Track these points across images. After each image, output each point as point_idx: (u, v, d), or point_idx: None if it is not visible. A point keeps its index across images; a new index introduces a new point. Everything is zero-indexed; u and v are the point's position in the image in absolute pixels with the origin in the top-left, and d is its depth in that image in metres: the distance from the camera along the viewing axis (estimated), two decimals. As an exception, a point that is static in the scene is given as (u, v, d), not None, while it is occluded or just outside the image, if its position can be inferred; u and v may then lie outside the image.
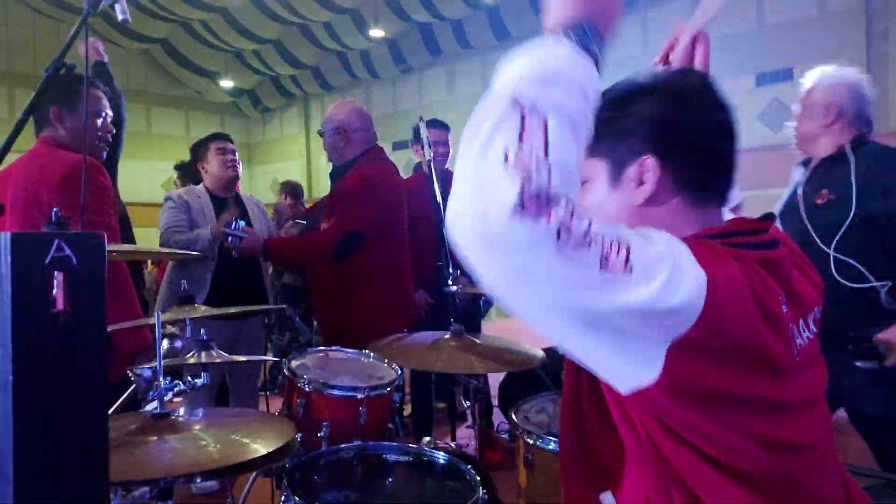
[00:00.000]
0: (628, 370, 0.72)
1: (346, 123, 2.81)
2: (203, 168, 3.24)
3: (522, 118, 0.68)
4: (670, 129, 0.89)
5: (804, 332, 0.89)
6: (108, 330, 0.99)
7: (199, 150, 3.29)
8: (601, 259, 0.65)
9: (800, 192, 2.22)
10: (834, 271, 1.98)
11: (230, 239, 2.55)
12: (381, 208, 2.67)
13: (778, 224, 2.23)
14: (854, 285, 1.98)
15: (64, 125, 2.17)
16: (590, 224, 0.65)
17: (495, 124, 0.70)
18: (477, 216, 0.65)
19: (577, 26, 0.76)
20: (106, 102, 2.30)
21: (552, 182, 0.64)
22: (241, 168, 3.33)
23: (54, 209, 1.05)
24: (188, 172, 3.96)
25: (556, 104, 0.69)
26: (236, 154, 3.32)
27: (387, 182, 2.74)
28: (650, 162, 0.88)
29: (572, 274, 0.64)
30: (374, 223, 2.66)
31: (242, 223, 2.64)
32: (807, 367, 0.87)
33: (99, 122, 2.25)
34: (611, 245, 0.66)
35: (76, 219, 1.96)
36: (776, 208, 2.31)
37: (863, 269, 1.98)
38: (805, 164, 2.28)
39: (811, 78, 2.27)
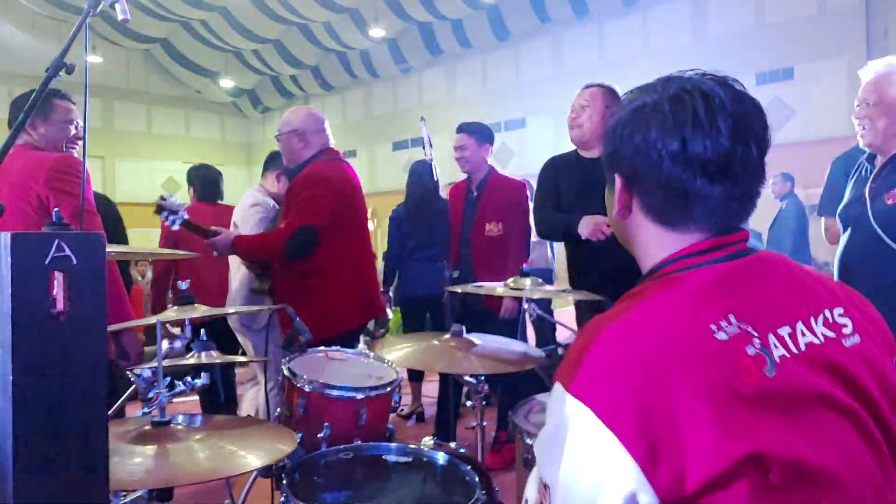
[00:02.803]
0: None
1: (303, 127, 2.85)
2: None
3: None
4: (631, 156, 0.87)
5: (804, 336, 0.82)
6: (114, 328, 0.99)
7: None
8: None
9: (867, 190, 2.07)
10: None
11: (165, 215, 2.53)
12: (332, 204, 2.68)
13: (837, 221, 2.18)
14: None
15: (37, 132, 2.35)
16: None
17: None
18: None
19: None
20: (77, 112, 2.47)
21: None
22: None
23: (55, 209, 1.05)
24: (198, 174, 3.96)
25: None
26: None
27: (338, 178, 2.75)
28: (618, 181, 0.91)
29: None
30: (326, 218, 2.66)
31: (175, 198, 2.59)
32: (804, 372, 0.79)
33: (71, 128, 2.43)
34: None
35: (65, 207, 2.13)
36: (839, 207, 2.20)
37: None
38: (870, 160, 2.14)
39: (876, 69, 2.07)
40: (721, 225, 0.87)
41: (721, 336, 0.77)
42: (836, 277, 2.10)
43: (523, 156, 12.05)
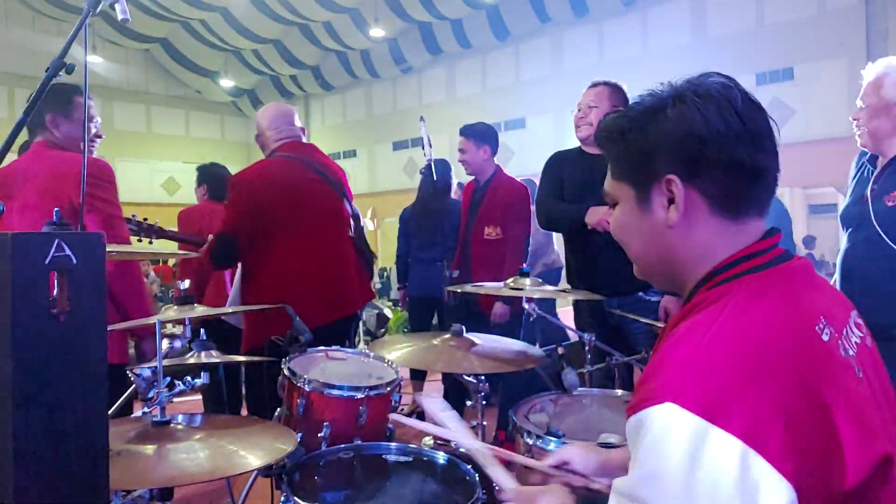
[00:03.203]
0: None
1: (261, 126, 2.78)
2: None
3: None
4: (691, 146, 0.84)
5: (852, 337, 0.85)
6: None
7: None
8: None
9: (868, 191, 2.07)
10: None
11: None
12: (244, 210, 2.58)
13: (840, 224, 2.19)
14: None
15: (60, 130, 2.33)
16: None
17: None
18: None
19: None
20: (97, 109, 2.47)
21: None
22: None
23: (55, 209, 1.05)
24: (210, 173, 3.95)
25: None
26: None
27: (256, 182, 2.63)
28: (676, 182, 0.85)
29: None
30: (238, 226, 2.58)
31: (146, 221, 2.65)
32: (869, 369, 0.83)
33: (93, 126, 2.42)
34: None
35: (97, 213, 2.23)
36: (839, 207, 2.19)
37: None
38: (871, 161, 2.14)
39: (876, 70, 2.06)
40: (759, 209, 0.88)
41: (825, 337, 0.77)
42: (838, 278, 2.10)
43: (523, 156, 12.05)
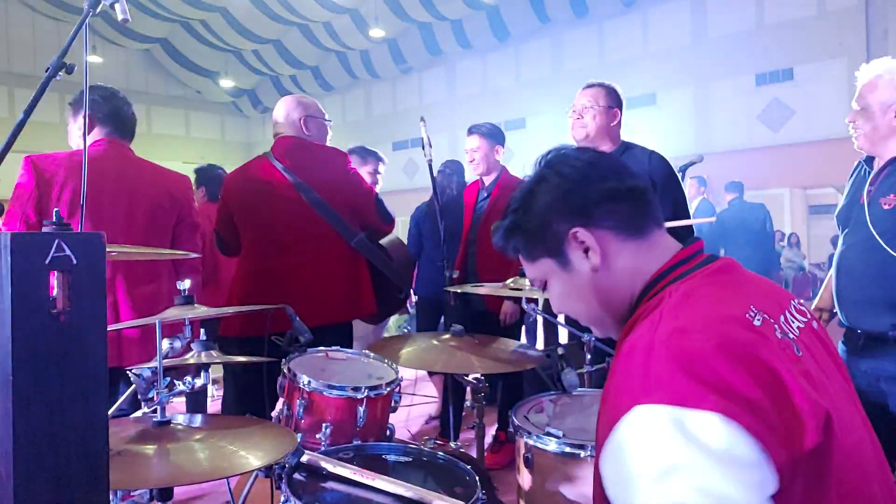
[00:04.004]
0: None
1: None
2: None
3: None
4: (572, 199, 0.96)
5: (793, 322, 0.92)
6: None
7: None
8: None
9: (864, 194, 2.05)
10: None
11: None
12: (222, 207, 2.73)
13: (837, 225, 2.18)
14: None
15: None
16: None
17: None
18: None
19: None
20: None
21: None
22: None
23: (55, 209, 1.05)
24: (208, 175, 3.96)
25: None
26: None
27: (233, 179, 2.75)
28: (580, 231, 0.95)
29: None
30: (222, 222, 2.73)
31: None
32: (810, 349, 0.89)
33: None
34: None
35: (188, 224, 2.55)
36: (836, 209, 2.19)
37: None
38: (868, 162, 2.12)
39: (870, 72, 2.05)
40: (656, 222, 0.99)
41: (757, 322, 0.84)
42: (834, 279, 2.09)
43: (523, 156, 12.05)
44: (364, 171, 3.47)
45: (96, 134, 2.39)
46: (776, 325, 0.86)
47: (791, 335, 0.88)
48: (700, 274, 0.93)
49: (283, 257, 2.56)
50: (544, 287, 1.04)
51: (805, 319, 0.96)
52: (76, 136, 2.43)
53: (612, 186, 0.96)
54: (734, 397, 0.73)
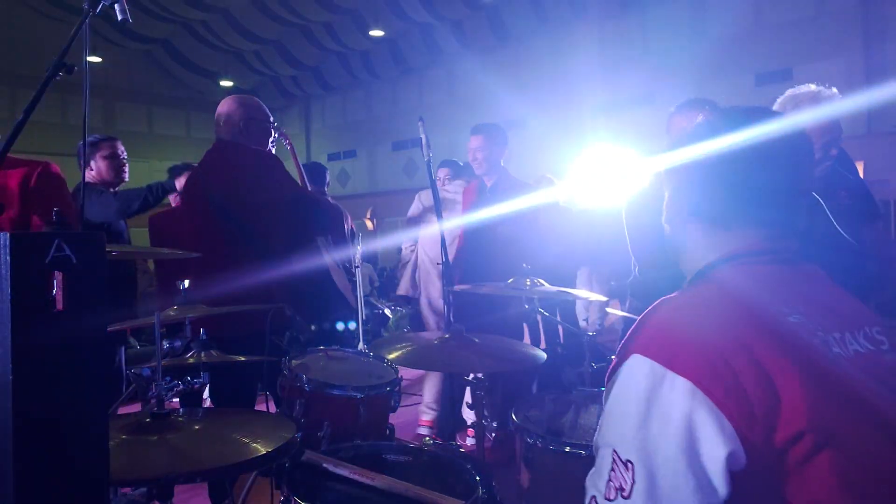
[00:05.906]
0: None
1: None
2: None
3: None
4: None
5: (851, 344, 0.92)
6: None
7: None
8: None
9: None
10: None
11: None
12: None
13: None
14: None
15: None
16: None
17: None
18: None
19: None
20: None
21: None
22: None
23: (55, 209, 1.05)
24: (180, 174, 3.96)
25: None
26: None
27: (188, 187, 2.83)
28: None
29: None
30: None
31: None
32: (855, 371, 0.89)
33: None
34: None
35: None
36: None
37: None
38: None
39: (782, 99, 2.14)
40: (751, 223, 1.00)
41: (793, 319, 0.88)
42: None
43: (523, 156, 12.05)
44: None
45: None
46: (820, 331, 0.89)
47: (836, 349, 0.89)
48: (759, 267, 0.95)
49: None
50: None
51: (871, 348, 0.95)
52: None
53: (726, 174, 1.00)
54: (714, 376, 0.80)
